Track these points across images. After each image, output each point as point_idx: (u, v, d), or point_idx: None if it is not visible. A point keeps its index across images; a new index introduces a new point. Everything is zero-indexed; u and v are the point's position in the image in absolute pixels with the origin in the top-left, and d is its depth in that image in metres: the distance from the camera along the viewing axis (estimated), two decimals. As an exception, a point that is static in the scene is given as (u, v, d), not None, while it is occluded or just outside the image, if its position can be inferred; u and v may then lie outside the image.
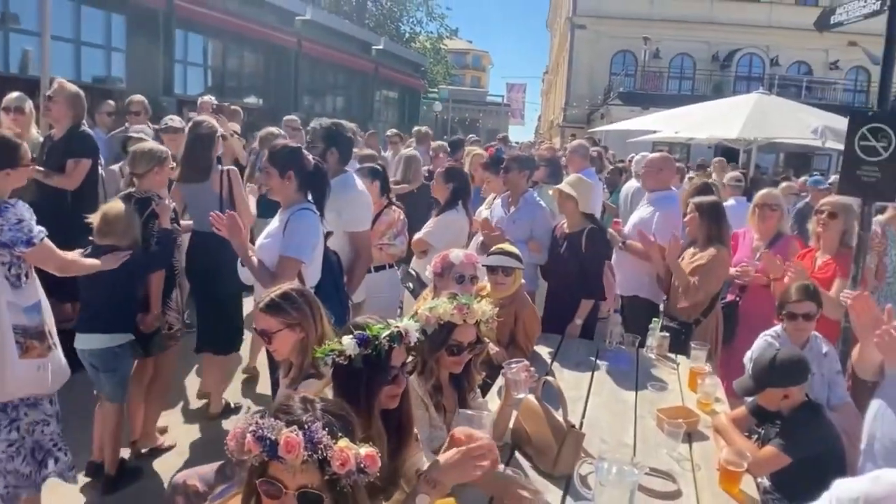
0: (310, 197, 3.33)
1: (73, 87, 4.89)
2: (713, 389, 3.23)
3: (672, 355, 3.85)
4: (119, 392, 3.57)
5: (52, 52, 6.26)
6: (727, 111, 12.04)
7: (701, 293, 4.10)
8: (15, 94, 5.06)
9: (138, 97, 6.77)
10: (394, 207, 4.70)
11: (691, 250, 4.28)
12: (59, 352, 3.05)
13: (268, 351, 2.83)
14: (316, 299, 2.58)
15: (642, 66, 28.52)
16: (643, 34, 28.13)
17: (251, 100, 16.75)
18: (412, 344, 2.01)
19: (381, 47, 22.71)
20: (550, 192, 4.84)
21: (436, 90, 34.37)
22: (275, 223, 3.32)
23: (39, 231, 2.88)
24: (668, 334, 3.94)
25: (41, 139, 5.02)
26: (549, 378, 2.61)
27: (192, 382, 4.94)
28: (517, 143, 22.69)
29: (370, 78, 22.24)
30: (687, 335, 4.06)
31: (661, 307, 4.60)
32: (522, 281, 3.71)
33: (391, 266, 4.57)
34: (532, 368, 2.51)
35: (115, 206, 3.52)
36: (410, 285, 4.54)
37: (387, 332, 1.93)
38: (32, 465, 2.98)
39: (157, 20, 12.67)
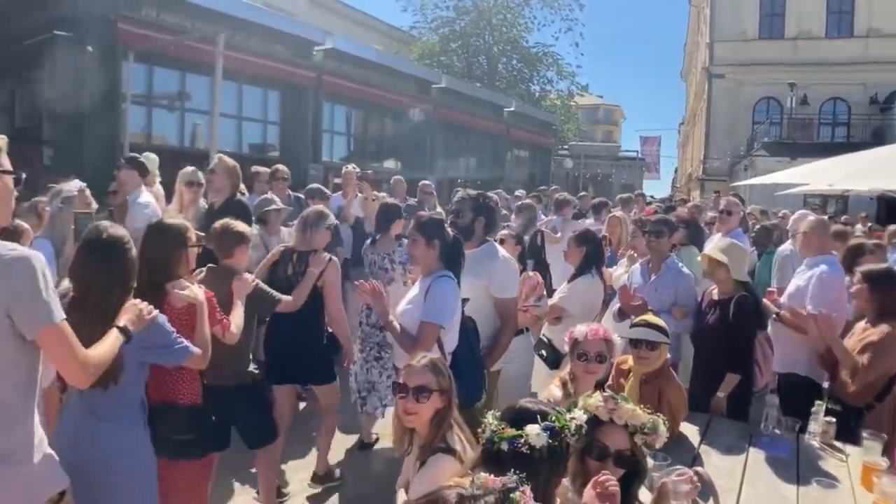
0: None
1: (231, 161, 5.39)
2: (894, 490, 2.83)
3: (839, 444, 3.42)
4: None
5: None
6: (891, 159, 11.03)
7: (872, 374, 3.65)
8: (190, 169, 5.68)
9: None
10: (531, 273, 4.69)
11: (861, 325, 3.86)
12: None
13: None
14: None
15: (789, 114, 26.66)
16: (788, 80, 26.39)
17: (389, 164, 17.60)
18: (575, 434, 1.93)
19: (512, 109, 23.12)
20: (699, 257, 4.53)
21: (566, 147, 34.25)
22: (415, 290, 3.48)
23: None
24: (833, 419, 3.48)
25: (205, 208, 5.54)
26: (700, 470, 2.41)
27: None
28: (653, 197, 21.85)
29: (502, 139, 22.64)
30: (857, 422, 3.60)
31: (825, 387, 4.14)
32: (668, 356, 3.49)
33: (527, 330, 4.51)
34: (696, 478, 2.20)
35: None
36: (544, 353, 4.43)
37: (574, 425, 1.86)
38: None
39: (308, 94, 13.82)
